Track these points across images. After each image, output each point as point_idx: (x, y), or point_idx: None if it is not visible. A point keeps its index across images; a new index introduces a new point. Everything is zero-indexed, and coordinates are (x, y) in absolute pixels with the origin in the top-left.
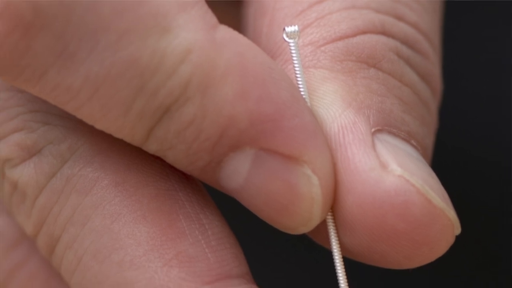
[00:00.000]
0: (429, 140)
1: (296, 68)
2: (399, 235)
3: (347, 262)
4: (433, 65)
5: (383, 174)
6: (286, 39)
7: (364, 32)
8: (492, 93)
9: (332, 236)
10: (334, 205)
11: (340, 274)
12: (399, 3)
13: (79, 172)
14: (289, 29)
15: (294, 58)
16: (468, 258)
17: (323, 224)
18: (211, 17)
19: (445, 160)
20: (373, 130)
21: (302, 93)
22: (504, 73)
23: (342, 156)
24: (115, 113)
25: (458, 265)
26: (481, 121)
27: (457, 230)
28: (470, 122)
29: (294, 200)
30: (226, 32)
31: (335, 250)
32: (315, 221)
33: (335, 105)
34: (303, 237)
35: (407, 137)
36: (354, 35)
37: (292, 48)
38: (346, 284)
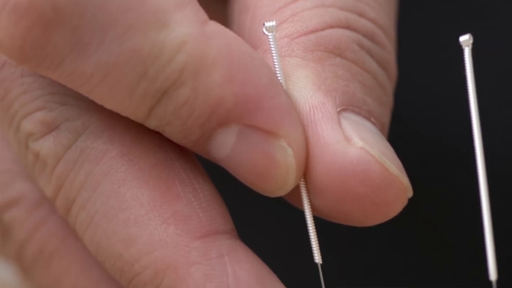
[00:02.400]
0: (386, 118)
1: (274, 57)
2: (360, 198)
3: (317, 220)
4: (390, 54)
5: (347, 146)
6: (266, 32)
7: (331, 27)
8: (441, 80)
9: (304, 199)
10: (306, 172)
11: (311, 231)
12: (360, 2)
13: (91, 144)
14: (268, 24)
15: (272, 49)
16: (419, 217)
17: (296, 189)
18: (202, 14)
19: (399, 135)
20: (339, 109)
21: (279, 78)
22: (452, 64)
23: (312, 131)
24: (121, 95)
25: (410, 223)
26: (430, 105)
27: (410, 193)
28: (421, 106)
29: (272, 168)
30: (215, 27)
31: (306, 211)
32: (290, 186)
33: (307, 88)
34: (280, 200)
35: (368, 115)
36: (323, 29)
37: (271, 40)
38: (316, 238)
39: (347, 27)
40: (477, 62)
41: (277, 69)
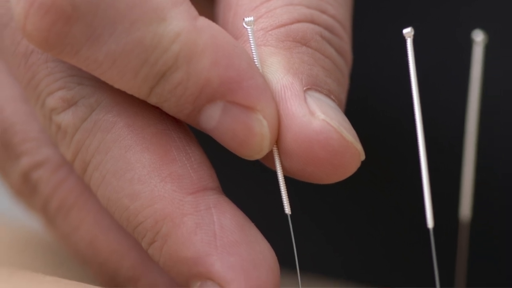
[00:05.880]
0: (343, 96)
1: (252, 46)
2: (322, 161)
3: (287, 179)
4: (346, 44)
5: (311, 118)
6: (245, 26)
7: (298, 21)
8: (389, 65)
9: (277, 161)
10: (278, 140)
11: (282, 187)
12: (322, 1)
13: (103, 117)
14: (247, 19)
15: (251, 39)
16: (370, 175)
17: (270, 153)
18: (193, 11)
19: (355, 110)
20: (304, 88)
21: (256, 63)
22: (398, 52)
23: (283, 106)
24: (127, 77)
25: (362, 181)
26: (381, 86)
27: (362, 157)
28: (373, 87)
29: (250, 136)
30: (204, 21)
31: (278, 171)
32: (265, 151)
33: (279, 72)
34: (257, 162)
35: (328, 93)
36: (292, 23)
37: (249, 32)
38: (286, 193)
39: (312, 21)
40: (417, 51)
41: (254, 56)
